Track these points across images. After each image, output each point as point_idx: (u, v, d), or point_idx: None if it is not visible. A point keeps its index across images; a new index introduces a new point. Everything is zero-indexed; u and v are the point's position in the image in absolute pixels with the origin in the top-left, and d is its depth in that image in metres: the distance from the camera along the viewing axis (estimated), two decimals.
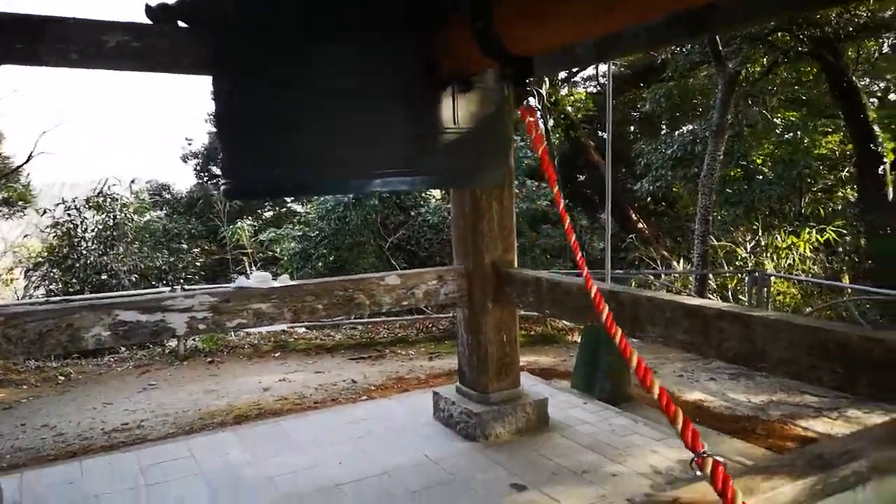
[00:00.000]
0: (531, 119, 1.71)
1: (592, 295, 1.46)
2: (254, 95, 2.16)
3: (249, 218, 15.55)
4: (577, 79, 15.71)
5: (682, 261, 11.89)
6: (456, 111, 2.13)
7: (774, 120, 11.71)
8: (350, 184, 2.32)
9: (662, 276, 9.96)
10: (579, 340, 5.63)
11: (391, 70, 2.06)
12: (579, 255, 1.62)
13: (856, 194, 11.08)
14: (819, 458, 1.43)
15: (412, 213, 10.50)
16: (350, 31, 2.03)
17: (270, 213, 17.36)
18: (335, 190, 4.86)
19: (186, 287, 8.29)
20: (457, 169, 2.27)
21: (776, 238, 9.44)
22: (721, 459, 1.05)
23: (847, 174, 11.63)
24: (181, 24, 3.26)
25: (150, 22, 3.17)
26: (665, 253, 12.29)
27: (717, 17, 2.93)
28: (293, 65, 2.06)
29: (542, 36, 1.81)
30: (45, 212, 10.84)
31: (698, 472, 1.06)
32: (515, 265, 4.36)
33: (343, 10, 2.04)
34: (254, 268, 11.41)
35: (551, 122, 12.18)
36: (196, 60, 3.19)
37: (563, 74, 13.80)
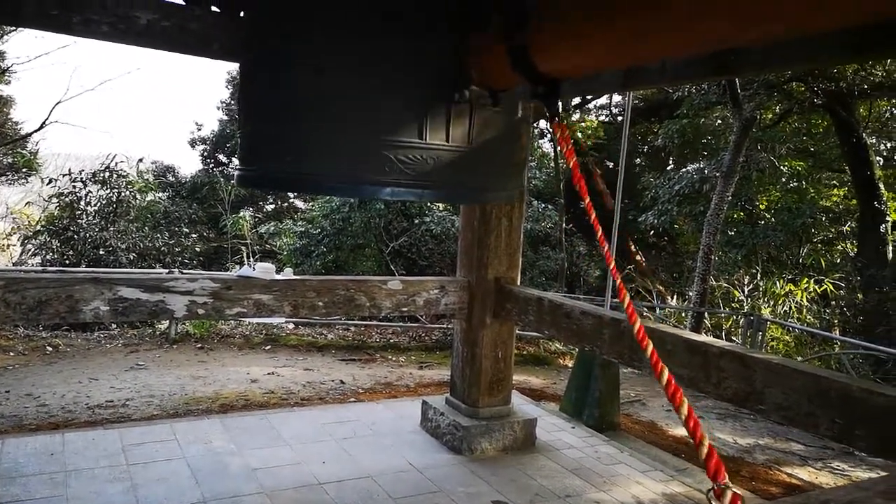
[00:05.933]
0: (563, 134, 1.78)
1: (636, 329, 1.38)
2: (276, 85, 2.16)
3: (251, 209, 15.53)
4: (589, 106, 15.78)
5: (675, 296, 11.90)
6: (472, 128, 2.11)
7: (781, 168, 11.79)
8: (360, 188, 2.28)
9: (657, 309, 9.96)
10: (572, 365, 5.62)
11: (414, 78, 2.05)
12: (617, 276, 1.61)
13: (855, 249, 11.14)
14: None
15: (416, 221, 10.49)
16: (380, 32, 2.03)
17: (272, 206, 17.34)
18: (344, 192, 4.86)
19: (183, 271, 8.27)
20: (467, 186, 2.25)
21: (775, 284, 9.47)
22: (740, 492, 1.04)
23: (848, 228, 11.71)
24: (214, 8, 3.28)
25: (182, 3, 3.19)
26: (661, 287, 12.31)
27: (743, 60, 2.94)
28: (317, 57, 2.05)
29: (576, 59, 1.83)
30: (49, 181, 10.77)
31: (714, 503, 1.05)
32: (518, 282, 4.37)
33: (378, 9, 2.04)
34: (252, 259, 11.38)
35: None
36: (225, 46, 3.20)
37: (576, 100, 13.86)
